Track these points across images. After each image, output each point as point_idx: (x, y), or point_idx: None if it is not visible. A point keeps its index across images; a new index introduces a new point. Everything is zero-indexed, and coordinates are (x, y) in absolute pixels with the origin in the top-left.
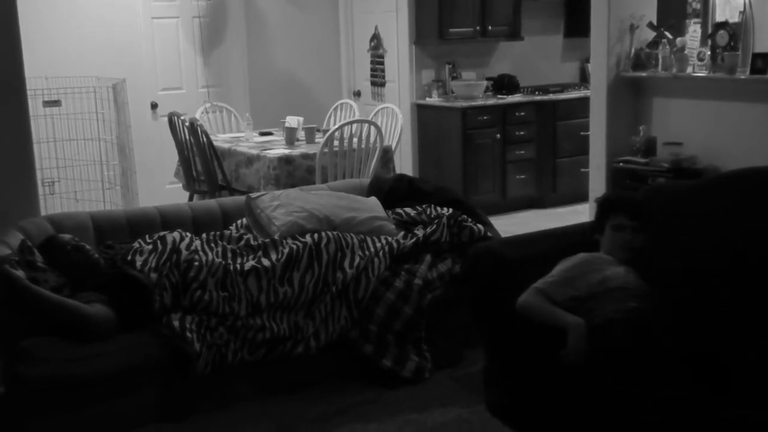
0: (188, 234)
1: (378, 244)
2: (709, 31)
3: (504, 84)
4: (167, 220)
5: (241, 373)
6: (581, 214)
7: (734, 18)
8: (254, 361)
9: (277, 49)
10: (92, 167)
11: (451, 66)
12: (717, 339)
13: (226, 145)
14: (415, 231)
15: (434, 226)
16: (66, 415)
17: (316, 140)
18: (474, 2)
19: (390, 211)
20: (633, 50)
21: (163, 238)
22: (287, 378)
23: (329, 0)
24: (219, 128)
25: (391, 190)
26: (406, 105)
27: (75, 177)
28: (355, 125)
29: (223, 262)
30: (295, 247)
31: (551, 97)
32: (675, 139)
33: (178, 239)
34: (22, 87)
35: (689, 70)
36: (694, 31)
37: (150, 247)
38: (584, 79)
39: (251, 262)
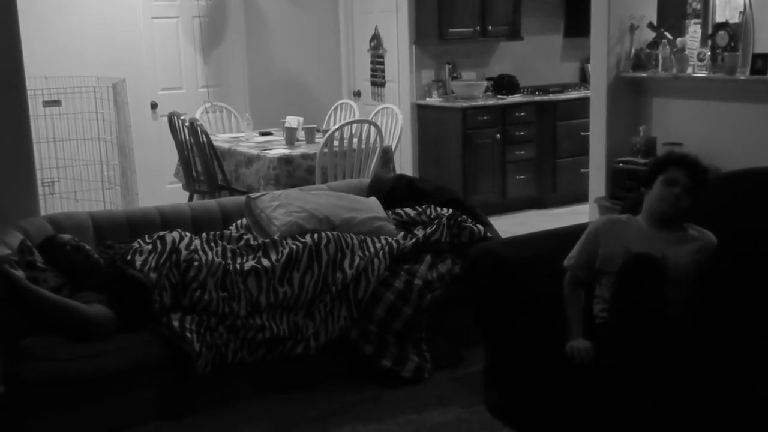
0: (188, 234)
1: (378, 245)
2: (709, 31)
3: (504, 84)
4: (167, 220)
5: (241, 372)
6: (581, 214)
7: (734, 18)
8: (254, 360)
9: (277, 49)
10: (92, 167)
11: (451, 66)
12: (717, 339)
13: (226, 145)
14: (415, 231)
15: (434, 227)
16: (66, 414)
17: (316, 140)
18: (474, 2)
19: (390, 212)
20: (633, 50)
21: (162, 238)
22: (287, 378)
23: (329, 0)
24: (219, 128)
25: (391, 191)
26: (406, 105)
27: (75, 177)
28: (355, 125)
29: (223, 262)
30: (294, 247)
31: (551, 97)
32: (675, 139)
33: (177, 239)
34: (22, 87)
35: (689, 70)
36: (694, 31)
37: (150, 246)
38: (584, 79)
39: (251, 262)
